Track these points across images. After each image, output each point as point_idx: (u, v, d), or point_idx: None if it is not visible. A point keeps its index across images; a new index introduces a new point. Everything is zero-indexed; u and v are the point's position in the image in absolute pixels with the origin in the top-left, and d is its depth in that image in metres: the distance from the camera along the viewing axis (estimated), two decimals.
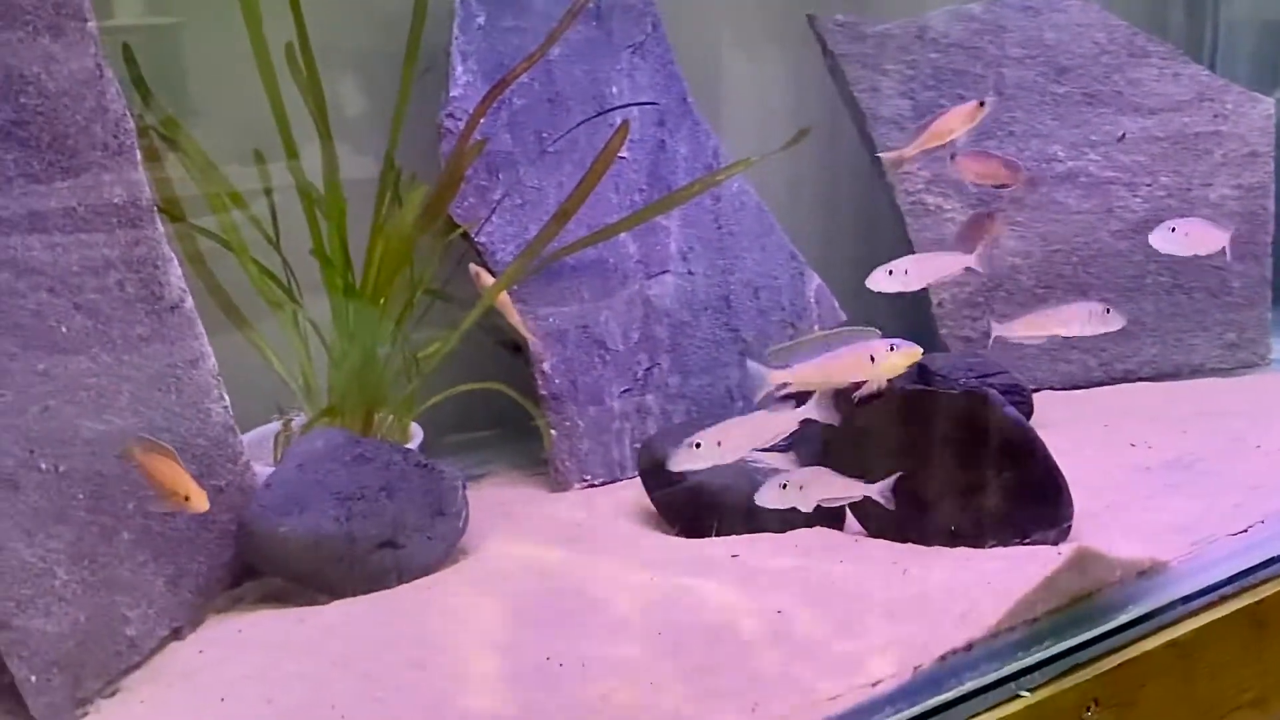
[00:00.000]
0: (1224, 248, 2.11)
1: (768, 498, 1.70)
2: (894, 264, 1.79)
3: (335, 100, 2.14)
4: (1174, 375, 2.61)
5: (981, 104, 1.95)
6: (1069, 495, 1.82)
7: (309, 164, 2.02)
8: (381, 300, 2.01)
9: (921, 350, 1.65)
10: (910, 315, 2.61)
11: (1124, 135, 2.18)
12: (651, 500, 2.01)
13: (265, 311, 2.04)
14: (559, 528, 1.99)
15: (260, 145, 2.07)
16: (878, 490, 1.76)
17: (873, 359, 1.63)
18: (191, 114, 2.07)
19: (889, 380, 1.81)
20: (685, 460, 1.61)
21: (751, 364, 1.65)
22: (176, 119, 1.98)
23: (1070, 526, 1.82)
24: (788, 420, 1.63)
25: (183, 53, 2.10)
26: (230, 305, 2.01)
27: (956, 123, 1.96)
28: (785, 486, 1.70)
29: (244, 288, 2.01)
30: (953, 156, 2.09)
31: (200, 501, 1.56)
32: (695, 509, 1.93)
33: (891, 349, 1.63)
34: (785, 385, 1.64)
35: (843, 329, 1.68)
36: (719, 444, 1.58)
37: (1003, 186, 2.16)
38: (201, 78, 2.09)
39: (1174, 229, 2.08)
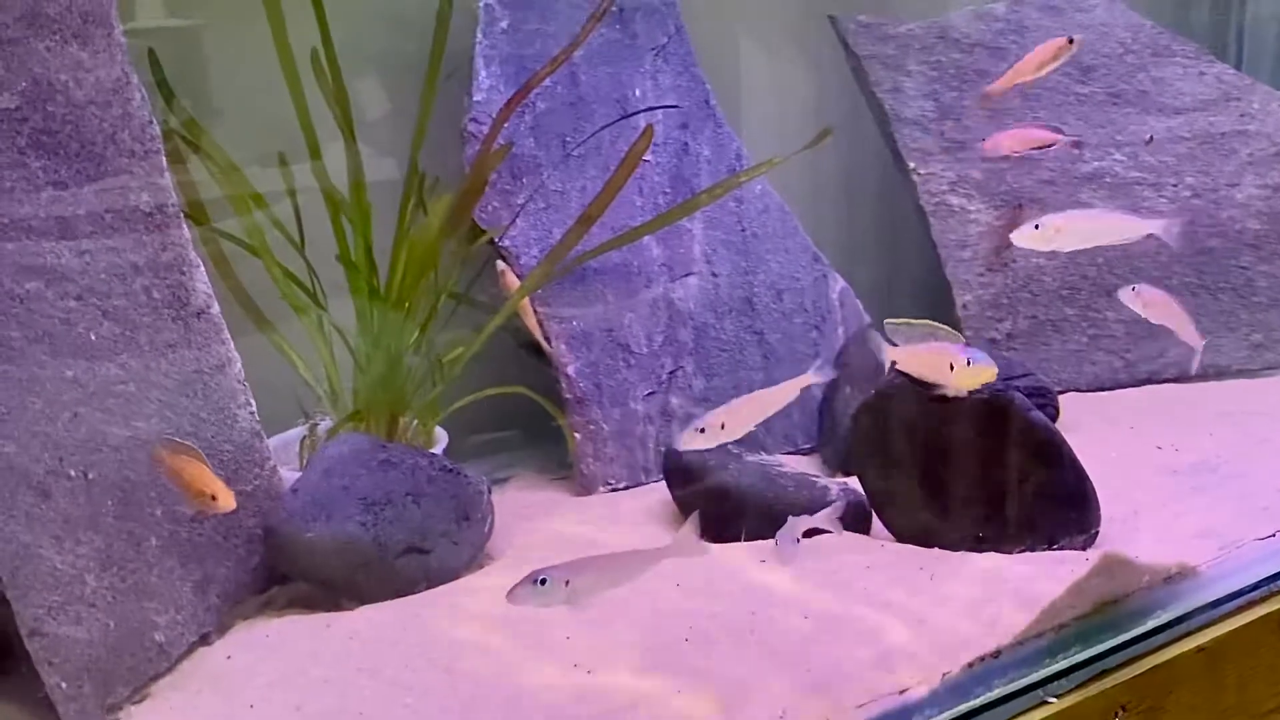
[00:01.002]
0: (1156, 234, 1.93)
1: (786, 553, 1.73)
2: (708, 419, 1.71)
3: (360, 102, 2.14)
4: (1199, 376, 2.60)
5: (1070, 41, 1.90)
6: (1096, 501, 1.81)
7: (334, 166, 2.03)
8: (406, 305, 2.02)
9: (996, 369, 1.64)
10: (935, 317, 2.60)
11: (1151, 138, 2.16)
12: (677, 505, 2.01)
13: (290, 314, 2.05)
14: (583, 532, 1.99)
15: (285, 147, 2.07)
16: (824, 519, 1.78)
17: (951, 367, 1.64)
18: (216, 116, 2.07)
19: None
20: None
21: (874, 335, 1.70)
22: (200, 122, 1.98)
23: (1098, 532, 1.81)
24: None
25: (208, 55, 2.10)
26: (255, 309, 2.02)
27: (1045, 57, 1.93)
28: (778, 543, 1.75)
29: (269, 290, 2.02)
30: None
31: (227, 500, 1.57)
32: (721, 514, 1.93)
33: (969, 363, 1.64)
34: (894, 363, 1.69)
35: (939, 327, 1.67)
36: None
37: (1046, 147, 2.11)
38: (227, 80, 2.10)
39: (1038, 225, 1.93)
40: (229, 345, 1.80)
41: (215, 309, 1.78)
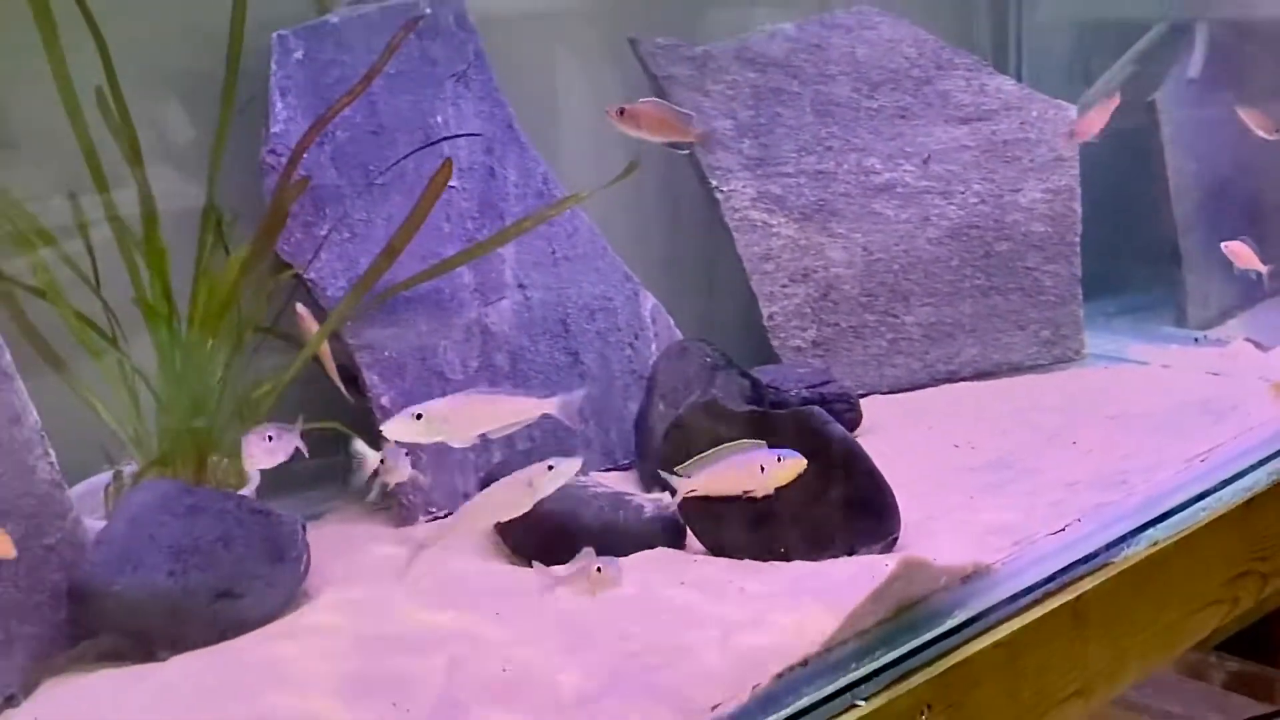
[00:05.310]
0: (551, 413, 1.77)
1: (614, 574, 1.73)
2: (431, 406, 1.66)
3: (160, 127, 2.10)
4: (994, 374, 2.73)
5: None
6: (896, 508, 1.89)
7: (128, 200, 1.98)
8: (209, 343, 1.98)
9: (806, 462, 1.73)
10: (744, 329, 2.68)
11: (929, 158, 2.27)
12: (496, 530, 2.03)
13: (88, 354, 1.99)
14: (402, 565, 1.99)
15: (80, 178, 2.01)
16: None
17: (763, 469, 1.73)
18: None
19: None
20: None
21: (672, 477, 1.73)
22: None
23: (897, 537, 1.90)
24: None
25: None
26: (51, 352, 1.95)
27: None
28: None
29: (64, 328, 1.96)
30: (621, 112, 2.00)
31: (7, 549, 1.51)
32: (540, 537, 1.95)
33: (779, 459, 1.72)
34: (693, 491, 1.74)
35: (739, 441, 1.74)
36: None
37: (677, 146, 2.14)
38: (13, 108, 2.03)
39: (419, 415, 1.70)
40: (23, 395, 1.73)
41: (7, 358, 1.72)
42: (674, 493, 1.74)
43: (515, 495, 1.60)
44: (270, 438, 1.83)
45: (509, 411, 1.71)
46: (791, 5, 2.87)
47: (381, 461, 1.75)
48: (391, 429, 1.62)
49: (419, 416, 1.61)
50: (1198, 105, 3.07)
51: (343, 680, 1.62)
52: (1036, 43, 3.34)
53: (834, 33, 2.71)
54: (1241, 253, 2.51)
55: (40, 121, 2.01)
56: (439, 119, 2.25)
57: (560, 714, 1.53)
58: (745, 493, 1.76)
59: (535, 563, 1.73)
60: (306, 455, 1.89)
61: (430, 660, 1.65)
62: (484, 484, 2.06)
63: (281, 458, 1.86)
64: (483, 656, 1.66)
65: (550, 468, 1.59)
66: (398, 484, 2.12)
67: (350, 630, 1.76)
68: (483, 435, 1.73)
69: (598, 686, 1.57)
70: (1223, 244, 2.54)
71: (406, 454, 1.81)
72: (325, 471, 2.23)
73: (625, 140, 2.07)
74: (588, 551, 1.64)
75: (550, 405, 1.70)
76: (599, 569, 1.62)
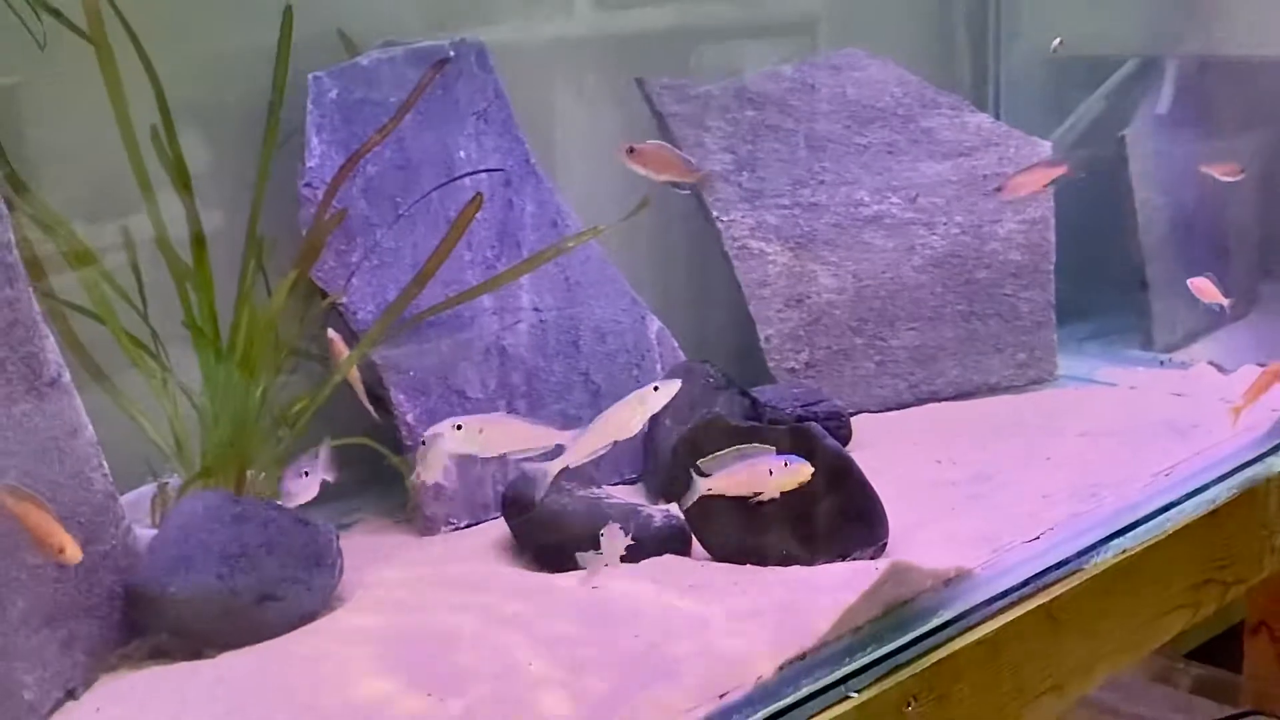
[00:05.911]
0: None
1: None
2: (469, 420, 1.92)
3: (193, 157, 2.24)
4: (973, 394, 2.89)
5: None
6: (885, 516, 2.05)
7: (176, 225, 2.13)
8: (250, 365, 2.13)
9: (811, 468, 1.92)
10: (742, 351, 2.84)
11: (916, 196, 2.43)
12: (515, 539, 2.18)
13: (130, 369, 2.12)
14: (426, 571, 2.13)
15: (116, 206, 2.15)
16: None
17: (770, 473, 1.92)
18: (43, 178, 2.13)
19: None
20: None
21: (695, 478, 1.94)
22: (30, 186, 2.04)
23: (886, 544, 2.06)
24: None
25: (30, 113, 2.16)
26: (99, 371, 2.09)
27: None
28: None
29: (103, 344, 2.09)
30: (630, 150, 2.20)
31: (75, 553, 1.62)
32: (556, 544, 2.10)
33: (786, 464, 1.92)
34: (710, 490, 1.94)
35: (749, 445, 1.94)
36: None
37: (678, 185, 2.34)
38: (53, 139, 2.16)
39: (459, 427, 1.96)
40: (80, 410, 1.86)
41: (66, 377, 1.85)
42: (681, 501, 1.91)
43: (631, 413, 1.90)
44: (305, 473, 1.99)
45: (530, 436, 1.93)
46: (784, 47, 3.05)
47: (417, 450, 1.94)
48: (434, 434, 1.80)
49: (458, 428, 1.79)
50: (1165, 141, 3.25)
51: (381, 675, 1.76)
52: (1013, 81, 3.51)
53: (827, 73, 2.88)
54: (1205, 289, 2.69)
55: (91, 149, 2.15)
56: (461, 154, 2.40)
57: (582, 703, 1.67)
58: (754, 494, 1.93)
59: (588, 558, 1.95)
60: (333, 480, 2.06)
61: (460, 656, 1.80)
62: (504, 498, 2.22)
63: (315, 491, 2.05)
64: (506, 652, 1.81)
65: (656, 388, 1.89)
66: (422, 496, 2.29)
67: (384, 629, 1.91)
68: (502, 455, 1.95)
69: (618, 676, 1.72)
70: (1188, 280, 2.71)
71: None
72: (349, 484, 2.38)
73: (626, 175, 2.23)
74: (611, 525, 1.89)
75: (565, 437, 1.92)
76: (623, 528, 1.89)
